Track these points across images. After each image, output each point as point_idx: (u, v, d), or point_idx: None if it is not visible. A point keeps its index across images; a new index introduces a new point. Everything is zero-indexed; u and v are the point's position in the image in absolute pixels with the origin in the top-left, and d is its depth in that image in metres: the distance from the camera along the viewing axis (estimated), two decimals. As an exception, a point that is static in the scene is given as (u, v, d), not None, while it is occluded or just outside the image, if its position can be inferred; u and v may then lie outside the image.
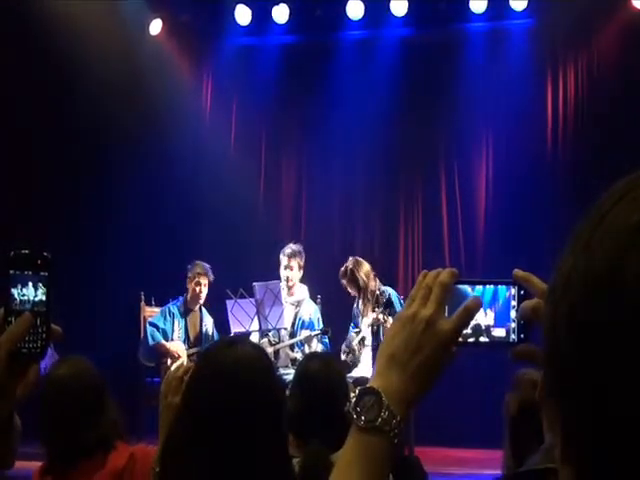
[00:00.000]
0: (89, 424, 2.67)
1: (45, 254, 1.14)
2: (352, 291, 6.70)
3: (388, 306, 6.42)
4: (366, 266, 6.64)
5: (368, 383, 1.05)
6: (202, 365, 1.88)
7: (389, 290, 6.58)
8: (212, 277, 7.09)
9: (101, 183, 8.45)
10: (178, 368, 2.08)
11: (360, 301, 6.69)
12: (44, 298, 1.13)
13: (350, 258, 6.73)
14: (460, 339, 1.06)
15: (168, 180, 8.51)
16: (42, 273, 1.13)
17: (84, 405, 2.68)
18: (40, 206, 8.34)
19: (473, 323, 1.08)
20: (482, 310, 1.08)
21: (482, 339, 1.10)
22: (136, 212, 8.33)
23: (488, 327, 1.10)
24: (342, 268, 6.69)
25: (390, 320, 6.24)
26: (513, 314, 1.09)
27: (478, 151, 8.53)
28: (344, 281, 6.66)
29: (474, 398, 7.72)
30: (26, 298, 1.12)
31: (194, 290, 7.08)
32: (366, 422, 1.01)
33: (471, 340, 1.09)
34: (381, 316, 6.32)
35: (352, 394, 1.04)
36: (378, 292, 6.50)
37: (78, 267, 7.62)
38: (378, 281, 6.66)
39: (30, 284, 1.13)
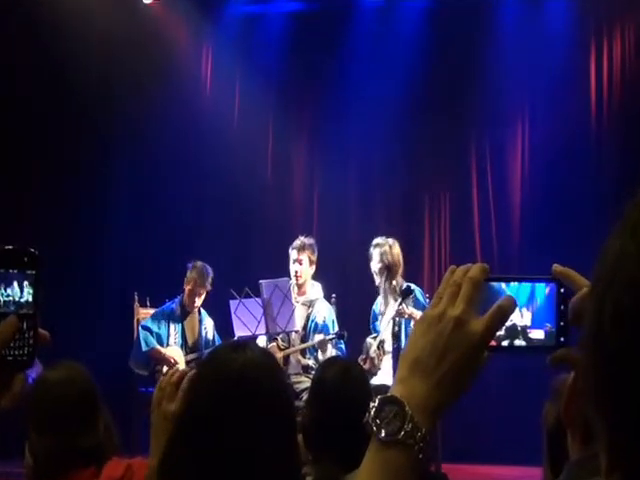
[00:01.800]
0: (82, 432, 2.69)
1: (32, 250, 1.13)
2: (377, 272, 6.71)
3: (413, 302, 6.44)
4: (399, 249, 6.76)
5: (389, 391, 1.04)
6: (205, 370, 1.89)
7: (413, 286, 6.62)
8: (211, 287, 7.11)
9: (92, 171, 8.45)
10: (173, 373, 2.09)
11: (382, 293, 6.73)
12: (31, 299, 1.12)
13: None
14: (493, 342, 1.06)
15: (165, 167, 8.54)
16: (29, 271, 1.13)
17: (77, 412, 2.69)
18: (25, 199, 8.33)
19: (508, 324, 1.08)
20: (517, 310, 1.08)
21: (518, 342, 1.09)
22: (130, 203, 8.38)
23: (525, 329, 1.09)
24: (377, 239, 6.77)
25: (415, 313, 6.28)
26: (552, 314, 1.09)
27: (513, 133, 8.49)
28: (376, 253, 6.71)
29: (508, 408, 7.70)
30: (11, 299, 1.12)
31: (190, 296, 7.12)
32: (387, 435, 1.00)
33: (505, 344, 1.09)
34: (404, 307, 6.33)
35: (371, 404, 1.03)
36: (403, 286, 6.53)
37: (65, 264, 7.64)
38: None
39: (15, 284, 1.12)
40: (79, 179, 8.38)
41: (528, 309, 1.10)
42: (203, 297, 7.12)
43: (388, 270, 6.70)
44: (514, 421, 7.38)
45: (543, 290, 1.10)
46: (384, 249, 6.74)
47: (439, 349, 1.02)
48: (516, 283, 1.08)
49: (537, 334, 1.09)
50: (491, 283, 1.07)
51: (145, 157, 8.48)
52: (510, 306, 1.04)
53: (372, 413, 1.02)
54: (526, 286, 1.10)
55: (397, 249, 6.78)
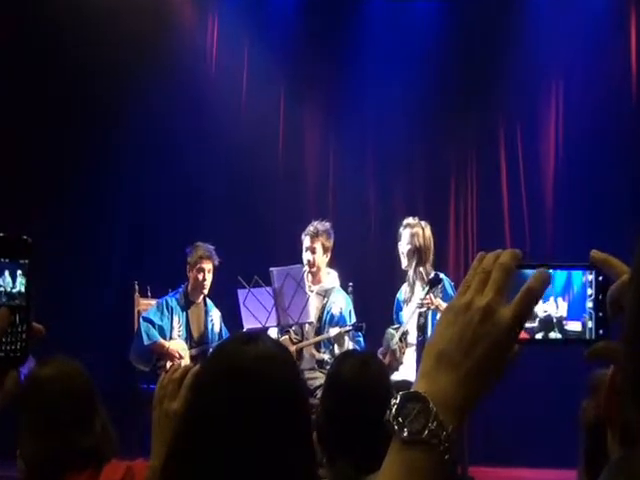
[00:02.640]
0: (77, 433, 2.69)
1: (25, 238, 1.13)
2: (405, 255, 6.70)
3: (441, 293, 6.42)
4: (430, 232, 6.76)
5: (412, 387, 1.04)
6: (212, 364, 1.88)
7: (443, 276, 6.58)
8: (217, 261, 7.11)
9: (86, 150, 8.44)
10: (175, 369, 2.09)
11: (408, 280, 6.72)
12: (23, 290, 1.12)
13: None
14: (526, 335, 1.06)
15: (167, 149, 8.53)
16: (22, 260, 1.13)
17: (71, 411, 2.70)
18: (17, 182, 8.31)
19: (542, 315, 1.07)
20: (553, 300, 1.07)
21: (553, 335, 1.09)
22: (130, 186, 8.34)
23: (560, 320, 1.09)
24: (409, 219, 6.77)
25: (442, 305, 6.27)
26: (590, 304, 1.08)
27: (546, 108, 8.46)
28: (406, 234, 6.69)
29: (539, 406, 7.70)
30: (2, 290, 1.12)
31: (196, 278, 7.12)
32: (410, 435, 1.00)
33: (539, 337, 1.09)
34: (431, 297, 6.31)
35: (392, 400, 1.03)
36: (431, 275, 6.51)
37: (59, 252, 7.64)
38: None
39: (7, 273, 1.12)
40: (75, 161, 8.36)
41: (564, 299, 1.09)
42: (211, 274, 7.12)
43: (418, 254, 6.67)
44: (546, 420, 7.44)
45: (580, 278, 1.09)
46: (415, 230, 6.71)
47: (466, 340, 1.02)
48: (550, 271, 1.07)
49: (574, 326, 1.09)
50: (523, 270, 1.06)
51: (146, 138, 8.46)
52: (540, 286, 1.03)
53: (393, 410, 1.02)
54: (562, 274, 1.09)
55: (429, 232, 6.75)
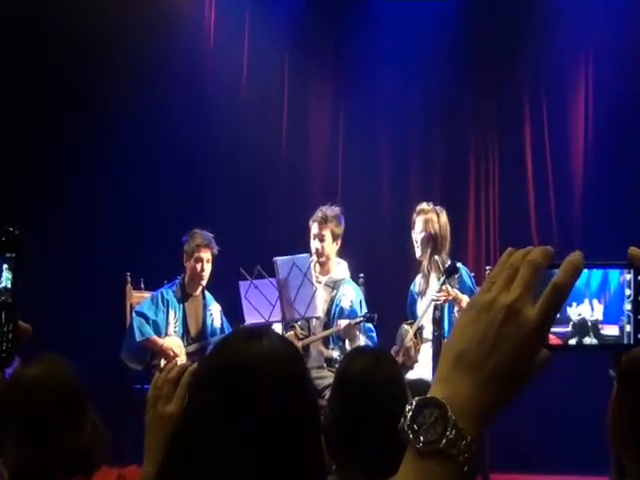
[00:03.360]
0: (65, 437, 2.70)
1: (11, 230, 1.13)
2: (419, 243, 6.69)
3: (458, 282, 6.41)
4: (446, 219, 6.75)
5: (429, 391, 1.03)
6: (211, 362, 1.87)
7: (460, 265, 6.58)
8: (217, 249, 7.13)
9: (76, 132, 8.39)
10: (171, 368, 2.09)
11: (423, 271, 6.72)
12: (9, 285, 1.12)
13: None
14: (559, 341, 1.04)
15: (163, 129, 8.52)
16: (8, 254, 1.12)
17: (58, 413, 2.71)
18: (4, 168, 8.32)
19: (576, 319, 1.06)
20: (587, 302, 1.06)
21: (588, 340, 1.07)
22: (123, 169, 8.34)
23: (596, 324, 1.07)
24: (422, 204, 6.76)
25: (460, 296, 6.28)
26: (628, 307, 1.07)
27: (574, 88, 8.41)
28: (419, 221, 6.69)
29: (565, 410, 7.71)
30: (-14, 285, 1.11)
31: (194, 268, 7.15)
32: (426, 444, 1.00)
33: (573, 342, 1.07)
34: (448, 287, 6.30)
35: (407, 407, 1.02)
36: (447, 264, 6.50)
37: (45, 242, 7.63)
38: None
39: None
40: (66, 144, 8.34)
41: (600, 301, 1.08)
42: (210, 264, 7.13)
43: (433, 242, 6.67)
44: (572, 424, 7.45)
45: (617, 278, 1.07)
46: (429, 216, 6.71)
47: (489, 341, 1.01)
48: (585, 270, 1.05)
49: (611, 330, 1.07)
50: (553, 270, 1.04)
51: (140, 118, 8.43)
52: (568, 280, 1.01)
53: (408, 417, 1.01)
54: (597, 273, 1.08)
55: (445, 219, 6.74)
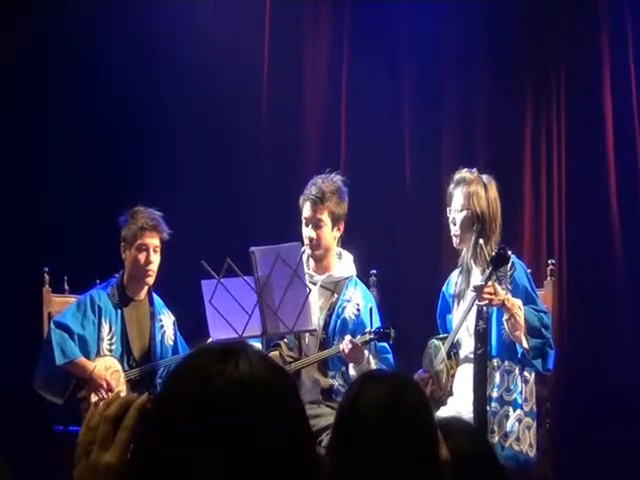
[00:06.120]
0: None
1: None
2: (458, 225, 6.68)
3: (510, 279, 6.41)
4: (496, 192, 6.70)
5: None
6: (168, 393, 1.86)
7: (512, 254, 6.52)
8: (167, 233, 7.15)
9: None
10: (109, 402, 2.06)
11: (462, 263, 6.74)
12: None
13: None
14: None
15: (96, 77, 8.69)
16: None
17: None
18: None
19: None
20: None
21: None
22: (46, 132, 8.39)
23: None
24: (463, 172, 6.71)
25: (511, 299, 6.32)
26: None
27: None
28: (458, 193, 6.66)
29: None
30: None
31: (135, 261, 7.16)
32: None
33: None
34: (495, 285, 6.27)
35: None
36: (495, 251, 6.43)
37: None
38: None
39: None
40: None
41: None
42: (159, 254, 7.18)
43: (478, 225, 6.61)
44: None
45: None
46: (473, 189, 6.65)
47: None
48: None
49: None
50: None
51: (81, 74, 8.55)
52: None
53: None
54: None
55: (495, 192, 6.70)
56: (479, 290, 6.29)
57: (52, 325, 7.06)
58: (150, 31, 8.62)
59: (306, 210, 6.92)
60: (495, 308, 6.36)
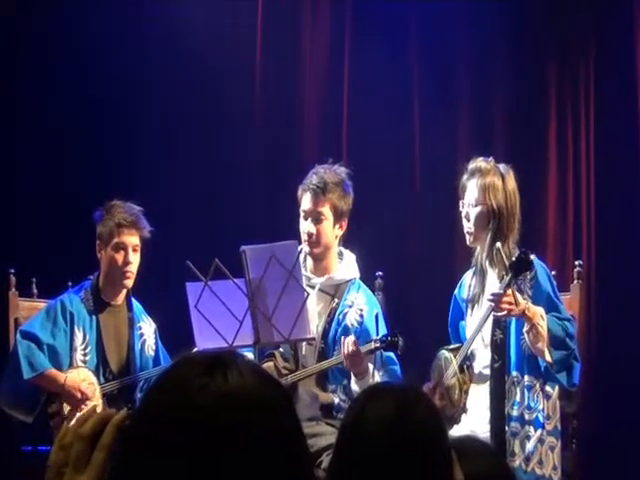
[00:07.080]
0: None
1: None
2: (473, 220, 6.67)
3: (531, 286, 6.39)
4: (515, 184, 6.65)
5: None
6: (151, 409, 1.87)
7: (534, 258, 6.50)
8: (148, 230, 7.14)
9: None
10: (84, 419, 2.06)
11: (476, 264, 6.74)
12: None
13: None
14: None
15: (84, 56, 8.79)
16: None
17: None
18: None
19: None
20: None
21: None
22: (7, 128, 8.43)
23: None
24: (478, 161, 6.65)
25: (532, 308, 6.29)
26: None
27: None
28: (472, 185, 6.65)
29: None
30: None
31: (112, 262, 7.15)
32: None
33: None
34: (514, 292, 6.23)
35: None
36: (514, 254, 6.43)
37: None
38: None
39: None
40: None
41: None
42: (138, 254, 7.16)
43: (495, 220, 6.59)
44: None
45: None
46: (490, 180, 6.63)
47: None
48: None
49: None
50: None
51: (55, 68, 8.62)
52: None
53: None
54: None
55: (513, 184, 6.67)
56: (497, 299, 6.25)
57: (18, 336, 7.05)
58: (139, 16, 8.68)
59: (305, 202, 6.92)
60: (514, 318, 6.34)
